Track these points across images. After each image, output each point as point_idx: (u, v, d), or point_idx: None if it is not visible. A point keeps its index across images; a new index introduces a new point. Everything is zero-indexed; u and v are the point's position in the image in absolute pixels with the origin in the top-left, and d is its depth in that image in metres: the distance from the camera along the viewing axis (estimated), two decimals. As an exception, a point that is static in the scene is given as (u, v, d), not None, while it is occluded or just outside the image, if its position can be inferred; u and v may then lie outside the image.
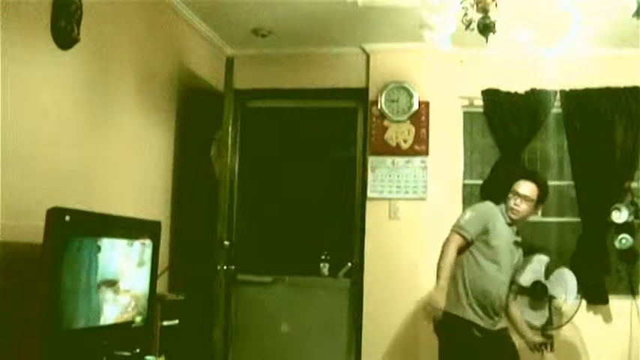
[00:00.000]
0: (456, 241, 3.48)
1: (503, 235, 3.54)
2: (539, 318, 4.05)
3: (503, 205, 3.62)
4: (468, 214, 3.60)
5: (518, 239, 3.64)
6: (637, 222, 4.41)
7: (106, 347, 2.88)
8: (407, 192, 4.61)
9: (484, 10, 3.14)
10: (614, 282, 4.47)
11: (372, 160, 4.69)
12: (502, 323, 3.61)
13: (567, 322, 4.21)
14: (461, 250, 3.50)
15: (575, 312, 4.16)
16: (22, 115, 2.74)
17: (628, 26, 3.63)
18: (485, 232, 3.50)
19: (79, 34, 3.06)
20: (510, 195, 3.59)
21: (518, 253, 3.65)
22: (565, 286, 4.08)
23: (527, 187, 3.57)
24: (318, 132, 5.07)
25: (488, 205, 3.65)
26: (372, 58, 4.76)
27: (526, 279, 4.05)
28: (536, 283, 4.07)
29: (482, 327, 3.46)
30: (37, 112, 2.85)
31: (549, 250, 4.42)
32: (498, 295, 3.50)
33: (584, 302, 4.35)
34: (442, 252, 3.48)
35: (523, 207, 3.55)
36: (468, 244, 3.50)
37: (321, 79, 4.84)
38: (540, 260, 4.14)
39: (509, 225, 3.58)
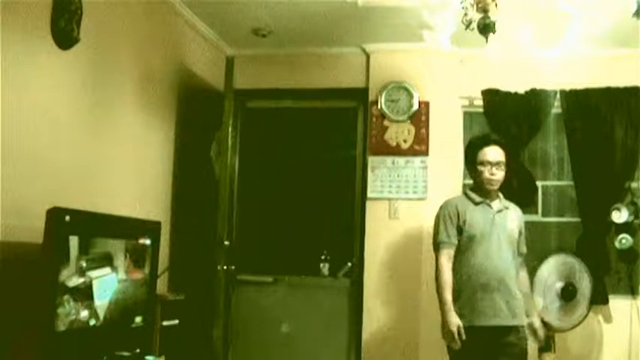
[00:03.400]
0: (446, 256, 3.39)
1: (478, 218, 3.39)
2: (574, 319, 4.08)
3: (461, 194, 3.59)
4: (438, 224, 3.47)
5: (500, 207, 3.46)
6: (637, 222, 4.41)
7: (106, 347, 2.88)
8: (407, 192, 4.61)
9: (484, 10, 3.15)
10: (614, 282, 4.47)
11: (372, 160, 4.68)
12: (520, 315, 3.38)
13: (572, 328, 4.19)
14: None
15: (584, 318, 4.14)
16: (22, 115, 2.74)
17: (628, 26, 3.63)
18: (461, 229, 3.39)
19: (79, 34, 3.06)
20: (480, 167, 3.40)
21: (508, 217, 3.45)
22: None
23: (496, 153, 3.40)
24: (318, 132, 5.06)
25: (448, 204, 3.50)
26: (372, 58, 4.76)
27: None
28: (568, 286, 4.07)
29: (488, 326, 3.30)
30: (37, 112, 2.86)
31: (549, 251, 4.42)
32: (500, 273, 3.33)
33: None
34: (437, 274, 3.38)
35: (500, 174, 3.40)
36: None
37: (321, 79, 4.84)
38: (566, 262, 4.14)
39: (480, 203, 3.43)
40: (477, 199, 3.45)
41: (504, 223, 3.43)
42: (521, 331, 3.39)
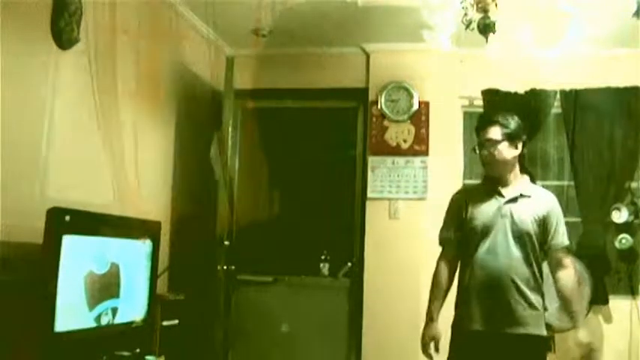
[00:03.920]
0: (445, 257, 3.07)
1: (482, 210, 2.93)
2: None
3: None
4: (444, 219, 3.13)
5: (514, 194, 2.94)
6: (637, 222, 4.42)
7: (106, 347, 2.88)
8: (407, 192, 4.61)
9: (484, 10, 3.15)
10: (614, 282, 4.47)
11: (372, 160, 4.69)
12: (524, 322, 2.88)
13: (571, 328, 4.18)
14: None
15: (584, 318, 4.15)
16: (22, 115, 2.74)
17: (628, 26, 3.63)
18: (462, 222, 2.99)
19: (79, 34, 3.06)
20: (478, 152, 3.00)
21: (523, 207, 2.91)
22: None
23: (488, 132, 2.95)
24: (318, 132, 5.06)
25: (458, 194, 3.14)
26: (372, 58, 4.76)
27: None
28: None
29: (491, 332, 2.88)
30: (37, 111, 2.85)
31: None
32: (501, 272, 2.86)
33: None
34: (432, 276, 3.08)
35: (497, 153, 2.93)
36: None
37: (321, 79, 4.84)
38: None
39: (491, 191, 2.97)
40: (488, 187, 3.00)
41: (514, 213, 2.90)
42: (523, 341, 2.87)
